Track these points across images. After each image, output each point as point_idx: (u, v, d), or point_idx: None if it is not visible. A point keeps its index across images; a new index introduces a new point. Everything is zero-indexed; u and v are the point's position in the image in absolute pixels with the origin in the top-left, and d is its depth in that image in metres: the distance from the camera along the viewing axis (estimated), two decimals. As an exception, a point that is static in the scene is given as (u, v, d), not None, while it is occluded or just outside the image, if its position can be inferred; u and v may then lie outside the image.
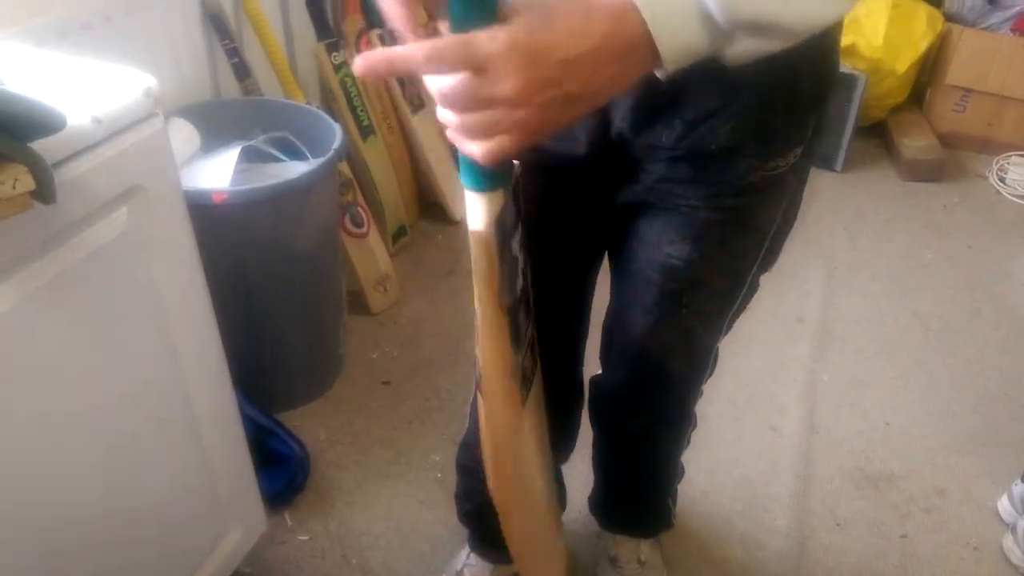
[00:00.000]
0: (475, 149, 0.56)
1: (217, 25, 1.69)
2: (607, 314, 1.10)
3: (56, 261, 0.85)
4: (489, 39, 0.51)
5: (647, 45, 0.53)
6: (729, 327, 1.08)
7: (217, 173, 1.51)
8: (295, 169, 1.61)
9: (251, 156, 1.65)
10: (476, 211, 0.66)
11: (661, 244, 0.94)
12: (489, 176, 0.63)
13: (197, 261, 1.06)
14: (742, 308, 1.06)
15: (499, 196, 0.65)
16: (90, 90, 0.89)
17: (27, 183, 0.69)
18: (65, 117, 0.71)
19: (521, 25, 0.52)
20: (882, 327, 2.09)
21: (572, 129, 0.85)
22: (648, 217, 0.94)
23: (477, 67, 0.51)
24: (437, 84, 0.54)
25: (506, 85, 0.52)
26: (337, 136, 1.60)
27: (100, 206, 0.88)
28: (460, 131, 0.56)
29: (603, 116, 0.83)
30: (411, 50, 0.52)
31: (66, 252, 0.86)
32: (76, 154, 0.83)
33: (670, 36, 0.53)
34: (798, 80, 0.80)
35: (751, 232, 0.94)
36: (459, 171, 0.65)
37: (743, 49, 0.56)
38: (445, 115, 0.56)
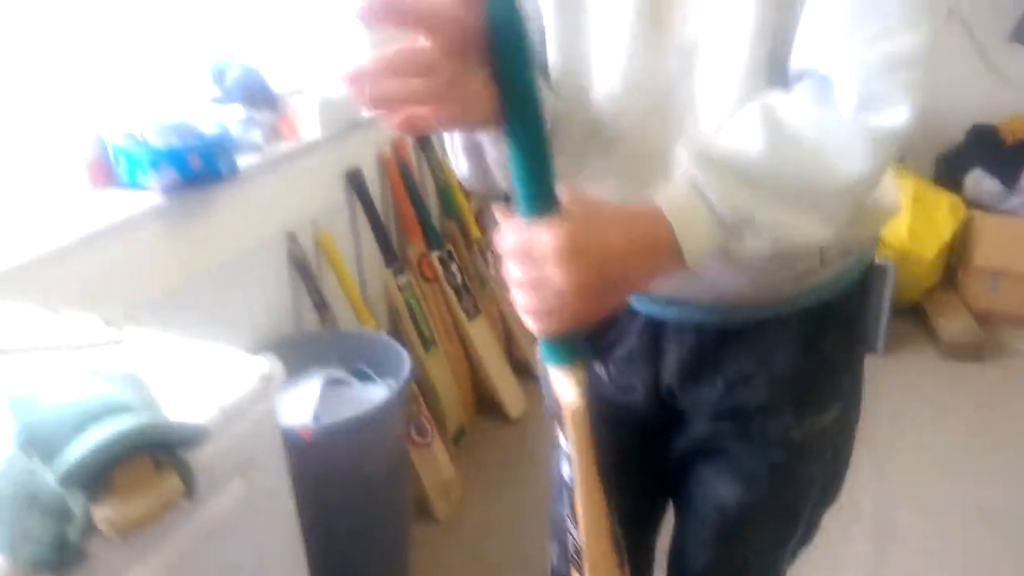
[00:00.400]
0: (537, 325, 0.67)
1: (300, 269, 1.91)
2: (670, 547, 1.18)
3: (181, 536, 0.97)
4: (552, 237, 0.62)
5: (673, 245, 0.65)
6: (794, 557, 1.11)
7: (300, 407, 1.67)
8: (368, 395, 1.76)
9: (327, 381, 1.82)
10: (564, 385, 0.73)
11: (714, 485, 1.02)
12: (568, 351, 0.71)
13: (294, 512, 1.18)
14: (806, 541, 1.10)
15: (581, 369, 0.74)
16: (211, 376, 1.04)
17: (178, 487, 0.83)
18: (207, 430, 0.86)
19: (576, 224, 0.63)
20: (943, 521, 2.09)
21: (631, 381, 0.97)
22: (701, 461, 1.03)
23: (540, 260, 0.63)
24: (511, 273, 0.66)
25: (560, 276, 0.62)
26: (406, 363, 1.76)
27: (219, 482, 1.01)
28: (524, 310, 0.67)
29: (656, 371, 0.95)
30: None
31: (189, 526, 0.98)
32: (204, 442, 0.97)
33: (690, 237, 0.65)
34: (828, 342, 0.91)
35: (801, 480, 1.01)
36: (542, 353, 0.72)
37: (752, 247, 0.66)
38: (515, 296, 0.67)
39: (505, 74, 0.63)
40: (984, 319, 2.90)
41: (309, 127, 1.96)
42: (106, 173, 1.53)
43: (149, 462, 0.81)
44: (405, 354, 1.80)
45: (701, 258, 0.66)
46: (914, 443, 2.40)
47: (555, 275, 0.62)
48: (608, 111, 0.79)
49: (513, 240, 0.65)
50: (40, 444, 0.77)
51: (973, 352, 2.78)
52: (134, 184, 1.52)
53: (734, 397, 0.92)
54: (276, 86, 1.96)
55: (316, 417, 1.65)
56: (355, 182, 2.14)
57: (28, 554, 0.75)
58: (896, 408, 2.56)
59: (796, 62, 0.70)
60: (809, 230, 0.67)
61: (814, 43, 0.69)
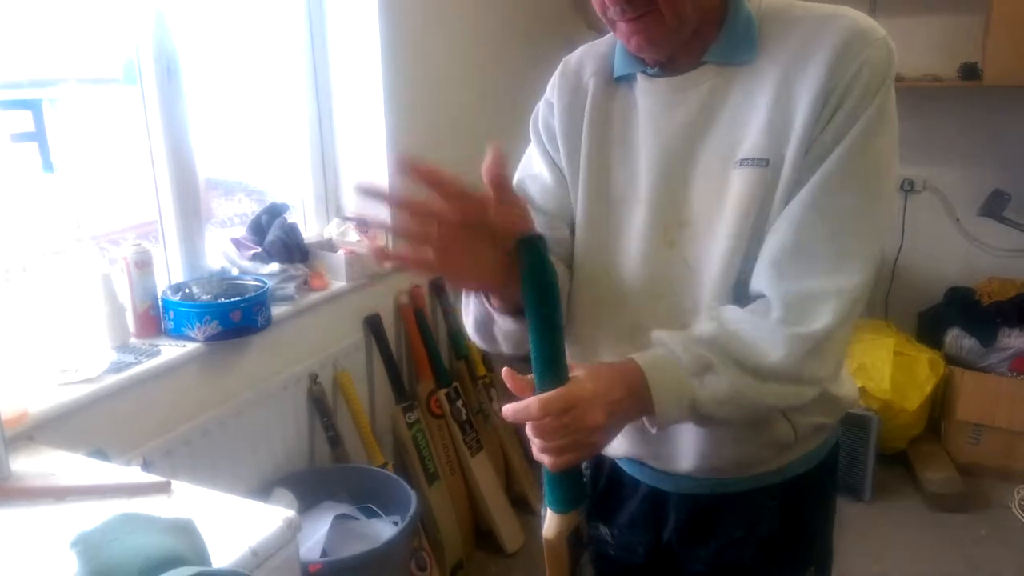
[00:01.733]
0: (554, 461, 0.83)
1: (319, 406, 2.08)
2: None
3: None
4: (580, 389, 0.82)
5: (646, 393, 0.83)
6: None
7: (311, 541, 1.80)
8: (375, 530, 1.89)
9: (336, 516, 1.95)
10: (552, 525, 0.89)
11: None
12: (568, 501, 0.88)
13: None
14: None
15: (573, 518, 0.89)
16: (242, 523, 1.19)
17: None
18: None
19: (593, 380, 0.83)
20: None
21: (632, 542, 1.11)
22: None
23: (563, 411, 0.81)
24: (535, 425, 0.82)
25: (591, 417, 0.81)
26: (413, 502, 1.90)
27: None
28: (544, 451, 0.83)
29: (656, 534, 1.09)
30: (527, 404, 0.82)
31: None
32: (238, 583, 1.12)
33: (660, 383, 0.84)
34: (805, 510, 1.06)
35: None
36: (545, 497, 0.89)
37: (713, 388, 0.84)
38: (536, 444, 0.84)
39: (534, 300, 0.84)
40: (967, 471, 3.01)
41: (336, 278, 2.18)
42: (154, 323, 1.72)
43: (198, 606, 0.95)
44: (413, 493, 1.94)
45: (668, 405, 0.84)
46: (897, 594, 2.47)
47: (586, 416, 0.81)
48: (622, 290, 1.00)
49: (554, 404, 0.81)
50: (109, 588, 0.92)
51: (956, 504, 2.87)
52: (179, 333, 1.71)
53: (725, 557, 1.07)
54: (307, 240, 2.20)
55: (324, 552, 1.77)
56: (373, 325, 2.34)
57: None
58: (880, 553, 2.64)
59: (752, 285, 0.91)
60: (754, 387, 0.85)
61: (761, 273, 0.90)
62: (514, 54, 2.95)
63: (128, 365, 1.60)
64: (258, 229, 2.12)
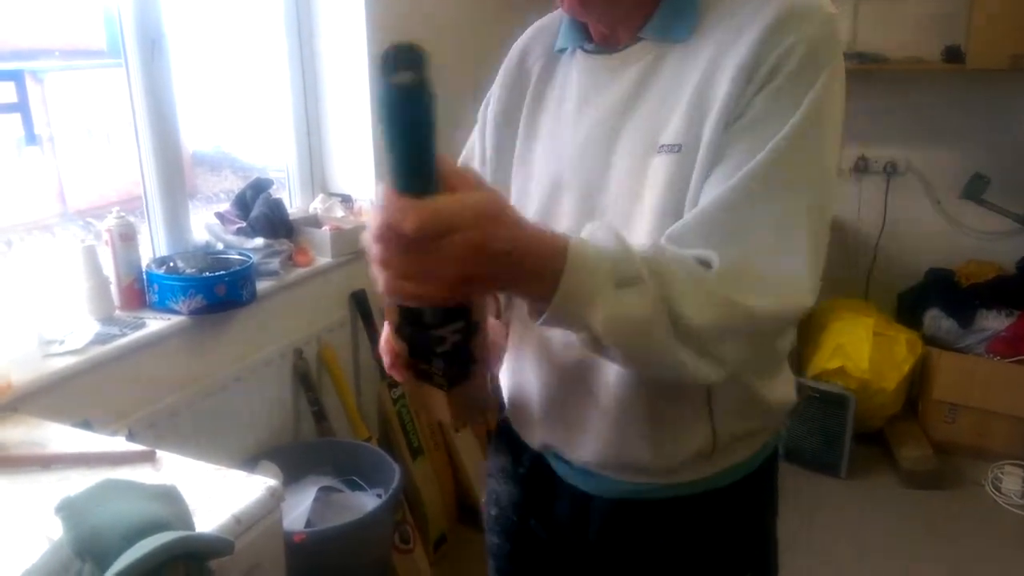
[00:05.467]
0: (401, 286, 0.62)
1: (304, 381, 2.10)
2: None
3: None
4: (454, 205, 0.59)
5: (556, 272, 0.65)
6: None
7: (295, 512, 1.82)
8: (359, 503, 1.92)
9: (320, 488, 1.97)
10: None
11: None
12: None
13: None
14: None
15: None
16: (226, 491, 1.21)
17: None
18: (232, 543, 1.03)
19: (487, 201, 0.61)
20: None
21: (563, 539, 1.05)
22: None
23: (444, 232, 0.58)
24: (396, 243, 0.59)
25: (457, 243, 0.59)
26: (396, 475, 1.92)
27: (231, 584, 1.17)
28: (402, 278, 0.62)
29: (583, 534, 1.01)
30: (391, 211, 0.58)
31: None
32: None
33: (579, 267, 0.66)
34: (736, 519, 0.99)
35: None
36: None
37: (631, 304, 0.67)
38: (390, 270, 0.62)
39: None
40: (942, 448, 3.07)
41: (321, 254, 2.19)
42: (139, 297, 1.73)
43: (182, 570, 0.97)
44: (396, 467, 1.96)
45: (573, 296, 0.66)
46: (871, 566, 2.53)
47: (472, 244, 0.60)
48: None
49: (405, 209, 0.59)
50: (95, 551, 0.94)
51: (930, 481, 2.93)
52: (163, 307, 1.72)
53: (653, 562, 1.00)
54: (293, 216, 2.20)
55: (309, 523, 1.80)
56: (359, 301, 2.35)
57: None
58: (855, 530, 2.70)
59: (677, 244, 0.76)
60: (662, 329, 0.69)
61: (692, 230, 0.76)
62: (506, 19, 2.94)
63: (113, 337, 1.61)
64: (243, 204, 2.12)
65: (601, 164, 0.89)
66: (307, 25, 2.32)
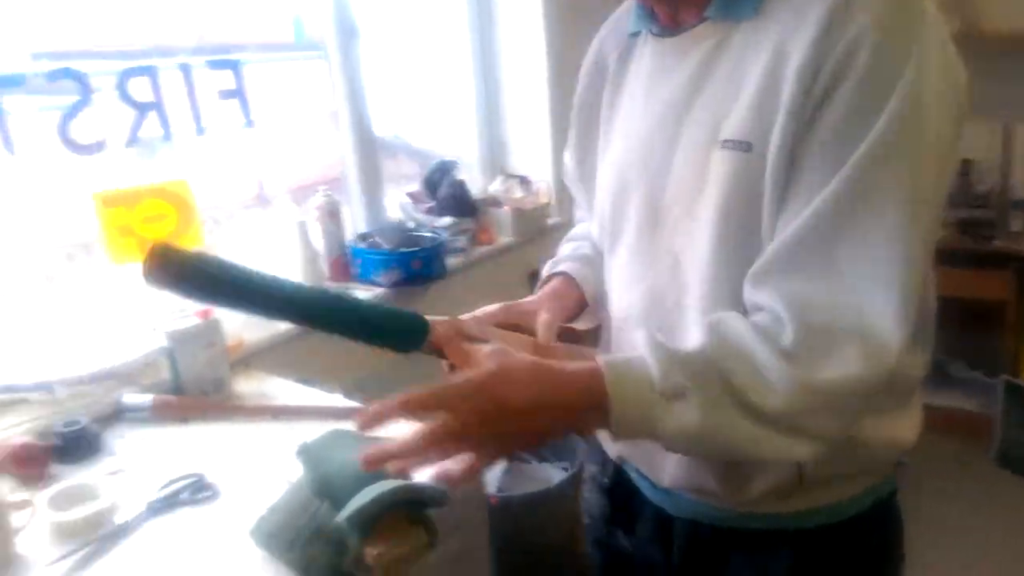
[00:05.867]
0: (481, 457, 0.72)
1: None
2: None
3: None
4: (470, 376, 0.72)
5: (603, 401, 0.67)
6: None
7: (487, 477, 1.88)
8: (546, 472, 1.95)
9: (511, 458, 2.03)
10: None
11: None
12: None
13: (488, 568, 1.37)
14: None
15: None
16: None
17: (425, 539, 1.04)
18: (447, 494, 1.06)
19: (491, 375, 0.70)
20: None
21: (648, 554, 1.00)
22: None
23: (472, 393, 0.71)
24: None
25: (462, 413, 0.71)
26: (582, 449, 1.94)
27: (442, 538, 1.22)
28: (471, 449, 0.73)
29: (666, 550, 0.96)
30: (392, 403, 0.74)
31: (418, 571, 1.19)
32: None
33: (621, 395, 0.68)
34: (833, 567, 0.88)
35: None
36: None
37: (680, 418, 0.67)
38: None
39: None
40: None
41: (503, 233, 2.24)
42: (345, 269, 1.84)
43: (405, 517, 1.03)
44: (582, 442, 1.98)
45: (626, 419, 0.68)
46: None
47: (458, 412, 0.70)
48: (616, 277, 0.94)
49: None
50: (331, 494, 1.01)
51: None
52: (366, 278, 1.83)
53: None
54: (477, 197, 2.27)
55: (500, 489, 1.85)
56: (536, 281, 2.38)
57: (314, 574, 0.98)
58: None
59: (748, 291, 0.74)
60: (736, 426, 0.68)
61: (763, 279, 0.72)
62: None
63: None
64: (431, 184, 2.21)
65: (663, 162, 0.84)
66: (487, 15, 2.38)
